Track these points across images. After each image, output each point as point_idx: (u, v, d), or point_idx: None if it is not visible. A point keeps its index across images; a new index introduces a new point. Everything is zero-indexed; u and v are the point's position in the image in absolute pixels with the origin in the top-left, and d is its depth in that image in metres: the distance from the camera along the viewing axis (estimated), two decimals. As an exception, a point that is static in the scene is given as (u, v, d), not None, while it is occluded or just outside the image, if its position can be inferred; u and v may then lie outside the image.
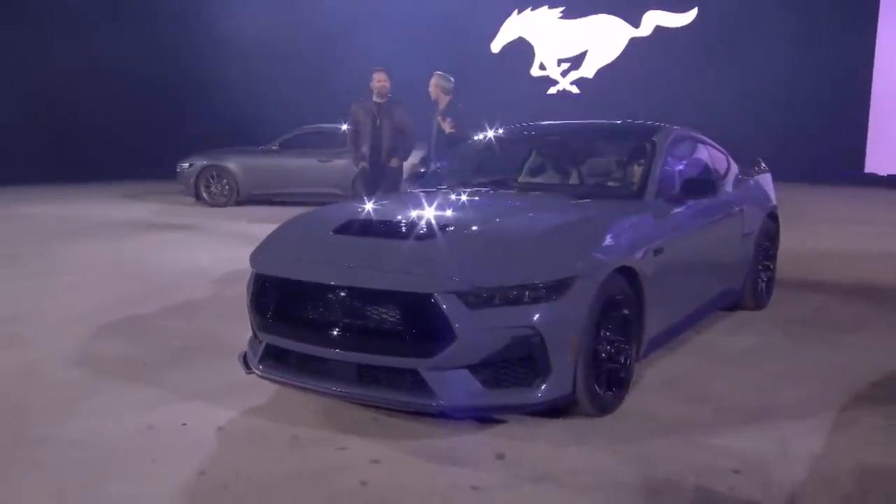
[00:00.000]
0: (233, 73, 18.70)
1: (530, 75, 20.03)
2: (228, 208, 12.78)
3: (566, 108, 18.31)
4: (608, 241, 3.88)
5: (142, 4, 18.59)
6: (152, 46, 18.51)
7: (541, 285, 3.47)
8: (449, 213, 4.10)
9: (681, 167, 4.91)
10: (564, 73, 19.73)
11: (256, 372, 3.89)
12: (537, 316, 3.44)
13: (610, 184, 5.06)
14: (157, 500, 3.01)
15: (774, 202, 6.26)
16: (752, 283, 5.69)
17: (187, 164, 13.23)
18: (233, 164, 13.02)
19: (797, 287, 6.62)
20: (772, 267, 6.11)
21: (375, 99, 7.79)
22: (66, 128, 17.92)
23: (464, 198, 4.41)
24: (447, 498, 3.05)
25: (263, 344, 3.89)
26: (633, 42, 18.96)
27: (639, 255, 4.03)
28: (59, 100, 17.86)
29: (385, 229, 3.97)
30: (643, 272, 4.01)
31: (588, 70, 19.47)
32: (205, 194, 13.08)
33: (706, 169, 5.24)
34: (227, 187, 13.03)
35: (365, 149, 7.75)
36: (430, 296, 3.39)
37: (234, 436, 3.64)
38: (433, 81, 7.70)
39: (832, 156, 16.62)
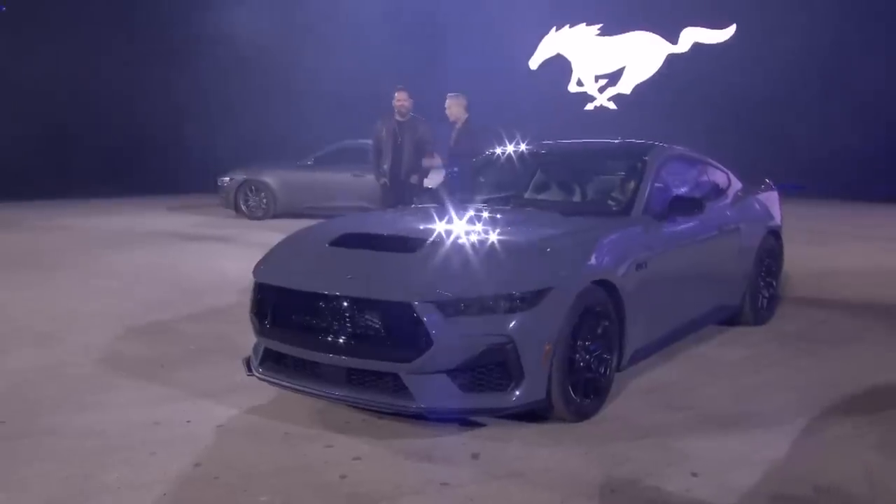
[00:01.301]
0: (275, 90, 19.31)
1: (567, 91, 20.22)
2: (265, 221, 13.21)
3: (603, 123, 18.45)
4: (585, 255, 4.09)
5: (190, 23, 19.26)
6: (199, 66, 19.22)
7: (515, 295, 3.69)
8: (438, 226, 4.34)
9: (671, 185, 5.09)
10: (602, 90, 19.88)
11: (256, 374, 4.18)
12: (511, 325, 3.66)
13: (600, 201, 5.25)
14: (151, 487, 3.30)
15: (778, 220, 6.35)
16: (751, 299, 5.81)
17: (227, 179, 13.72)
18: (270, 179, 13.49)
19: (805, 303, 6.70)
20: (774, 284, 6.21)
21: (396, 117, 8.14)
22: (118, 143, 18.74)
23: (458, 213, 4.65)
24: (417, 492, 3.28)
25: (262, 348, 4.18)
26: (671, 58, 19.03)
27: (620, 269, 4.23)
28: (109, 116, 18.68)
29: (375, 242, 4.23)
30: (623, 286, 4.20)
31: (625, 86, 19.59)
32: (243, 207, 13.56)
33: (698, 187, 5.41)
34: (264, 201, 13.49)
35: (386, 166, 8.08)
36: (408, 304, 3.64)
37: (232, 432, 3.92)
38: (447, 103, 8.04)
39: (871, 173, 16.42)
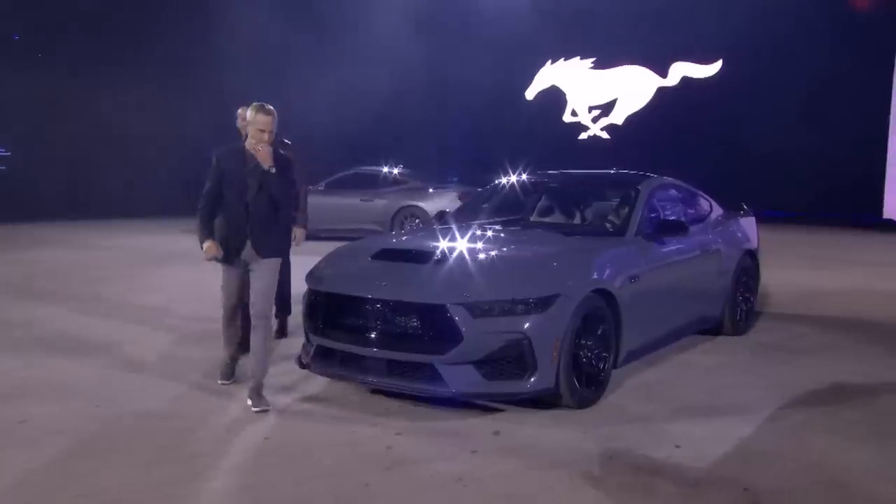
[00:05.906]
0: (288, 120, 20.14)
1: (563, 121, 21.14)
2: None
3: (596, 152, 19.35)
4: (587, 268, 4.88)
5: (200, 55, 20.16)
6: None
7: (530, 300, 4.47)
8: (463, 243, 5.13)
9: (660, 211, 5.90)
10: (595, 120, 20.81)
11: (309, 368, 4.94)
12: (526, 324, 4.44)
13: (599, 223, 6.06)
14: (227, 455, 4.06)
15: (754, 242, 7.12)
16: (730, 312, 6.58)
17: (243, 203, 14.52)
18: (283, 203, 14.29)
19: (789, 318, 7.44)
20: (752, 299, 6.98)
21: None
22: (130, 169, 19.78)
23: (477, 232, 5.44)
24: (450, 458, 4.03)
25: (314, 345, 4.94)
26: (661, 91, 19.94)
27: (616, 281, 5.01)
28: (139, 145, 19.83)
29: (411, 255, 5.03)
30: (619, 295, 4.98)
31: (617, 117, 20.51)
32: (258, 230, 14.35)
33: (683, 213, 6.21)
34: (277, 223, 14.27)
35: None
36: (443, 306, 4.42)
37: (294, 414, 4.67)
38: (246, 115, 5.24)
39: (852, 200, 17.29)
